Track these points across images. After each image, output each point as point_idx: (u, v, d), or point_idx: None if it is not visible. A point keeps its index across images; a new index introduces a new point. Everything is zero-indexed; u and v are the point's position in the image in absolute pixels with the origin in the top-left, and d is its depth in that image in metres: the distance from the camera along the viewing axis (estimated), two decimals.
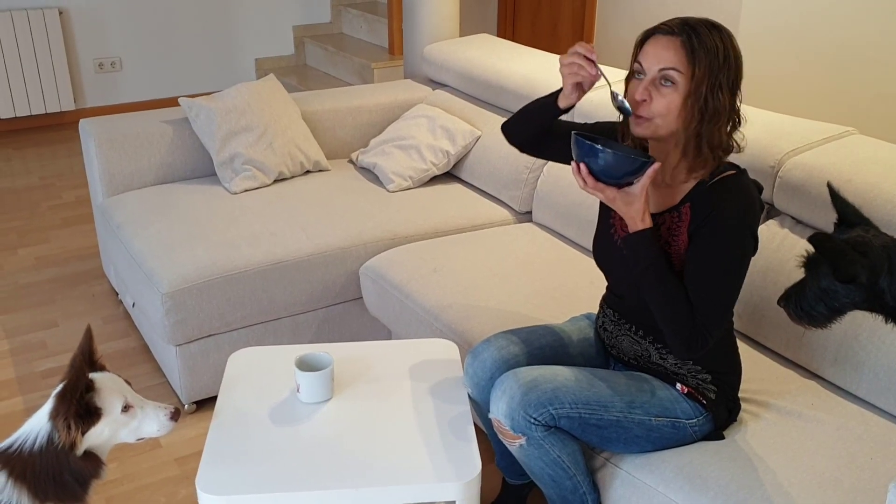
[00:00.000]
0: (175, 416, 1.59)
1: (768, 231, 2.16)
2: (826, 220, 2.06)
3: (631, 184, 1.56)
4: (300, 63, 5.88)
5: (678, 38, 1.55)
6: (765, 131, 2.28)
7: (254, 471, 1.59)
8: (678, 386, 1.74)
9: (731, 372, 1.79)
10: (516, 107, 3.06)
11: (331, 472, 1.59)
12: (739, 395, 1.83)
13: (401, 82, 3.64)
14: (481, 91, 3.24)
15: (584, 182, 1.55)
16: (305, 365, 1.78)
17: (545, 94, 2.91)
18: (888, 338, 1.86)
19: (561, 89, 1.72)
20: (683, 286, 1.60)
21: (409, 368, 1.91)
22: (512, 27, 5.33)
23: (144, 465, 2.32)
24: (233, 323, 2.48)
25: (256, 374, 1.88)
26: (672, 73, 1.55)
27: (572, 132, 1.56)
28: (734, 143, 1.64)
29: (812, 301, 1.34)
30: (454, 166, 3.15)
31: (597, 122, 1.92)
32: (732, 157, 1.69)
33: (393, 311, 2.44)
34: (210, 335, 2.47)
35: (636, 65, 1.60)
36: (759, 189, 1.68)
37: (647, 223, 1.59)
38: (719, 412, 1.75)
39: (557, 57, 3.24)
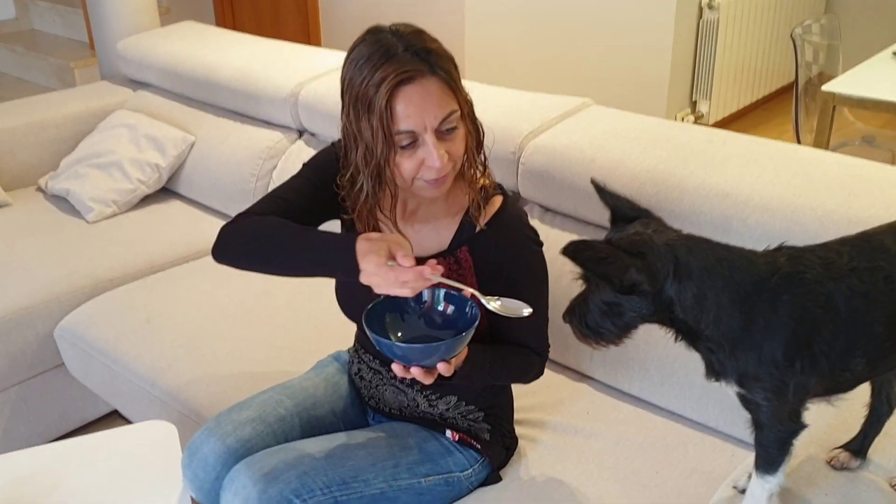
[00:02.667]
0: None
1: None
2: (574, 203, 1.90)
3: None
4: None
5: (432, 78, 1.25)
6: (502, 113, 2.08)
7: None
8: (448, 434, 1.49)
9: (504, 402, 1.57)
10: (234, 104, 2.68)
11: None
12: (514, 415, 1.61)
13: (94, 86, 3.11)
14: (191, 89, 2.81)
15: (446, 372, 1.25)
16: None
17: (263, 86, 2.63)
18: (653, 329, 1.72)
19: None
20: (511, 347, 1.44)
21: (110, 473, 1.49)
22: (231, 14, 4.84)
23: None
24: None
25: None
26: (450, 118, 1.27)
27: (379, 339, 1.22)
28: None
29: (598, 317, 1.12)
30: (168, 180, 2.71)
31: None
32: None
33: (102, 380, 1.99)
34: None
35: (402, 136, 1.26)
36: (517, 198, 1.49)
37: (465, 351, 1.32)
38: (495, 453, 1.52)
39: (279, 43, 2.91)
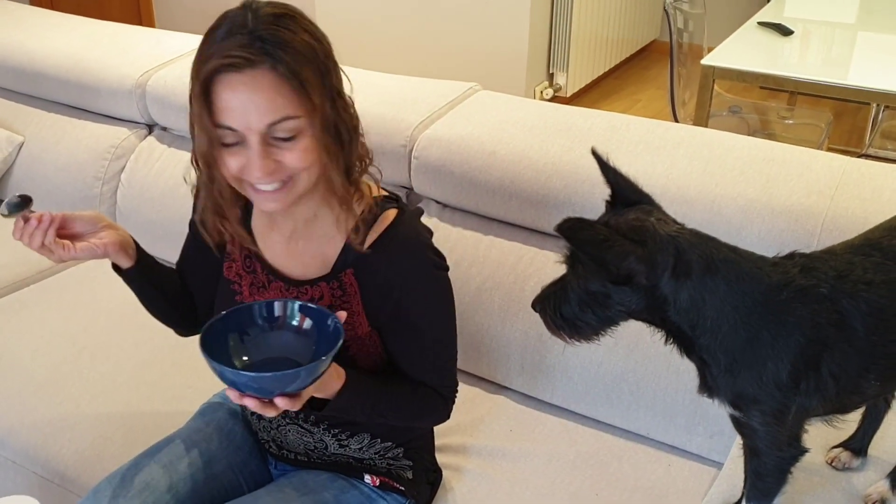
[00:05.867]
0: None
1: None
2: (475, 199, 1.75)
3: None
4: None
5: (268, 73, 1.03)
6: (384, 101, 1.89)
7: None
8: (367, 479, 1.31)
9: (424, 432, 1.41)
10: (67, 97, 2.33)
11: None
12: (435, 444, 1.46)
13: None
14: (13, 80, 2.43)
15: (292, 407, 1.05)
16: None
17: (102, 76, 2.29)
18: None
19: None
20: (406, 383, 1.23)
21: None
22: None
23: None
24: None
25: None
26: (285, 124, 1.05)
27: (214, 364, 1.01)
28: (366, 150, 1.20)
29: (577, 308, 1.00)
30: None
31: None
32: None
33: None
34: None
35: (224, 132, 1.06)
36: (419, 214, 1.32)
37: (342, 375, 1.14)
38: (421, 492, 1.36)
39: (113, 25, 2.55)
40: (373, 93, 1.94)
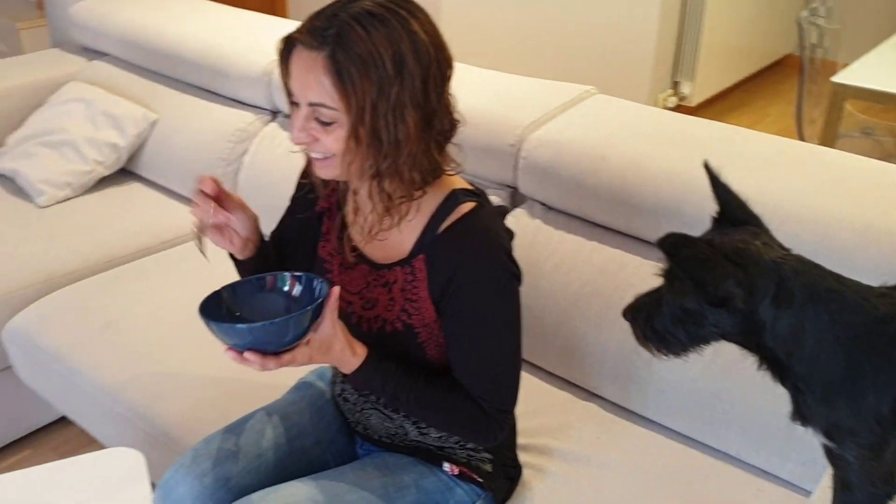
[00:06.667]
0: None
1: (516, 224, 1.79)
2: (580, 203, 1.74)
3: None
4: None
5: (321, 55, 1.07)
6: (496, 100, 1.91)
7: None
8: (446, 466, 1.33)
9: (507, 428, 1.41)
10: (200, 79, 2.46)
11: None
12: (517, 440, 1.46)
13: (45, 53, 2.86)
14: (152, 61, 2.58)
15: (264, 366, 1.13)
16: None
17: (233, 61, 2.41)
18: None
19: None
20: (446, 384, 1.22)
21: None
22: None
23: None
24: None
25: None
26: (323, 110, 1.10)
27: (204, 317, 1.12)
28: (447, 164, 1.21)
29: (669, 322, 0.99)
30: (128, 161, 2.49)
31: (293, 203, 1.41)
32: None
33: (56, 389, 1.79)
34: None
35: (288, 92, 1.16)
36: (502, 213, 1.30)
37: (361, 354, 1.19)
38: (499, 486, 1.37)
39: (249, 14, 2.68)
40: (487, 91, 1.96)
